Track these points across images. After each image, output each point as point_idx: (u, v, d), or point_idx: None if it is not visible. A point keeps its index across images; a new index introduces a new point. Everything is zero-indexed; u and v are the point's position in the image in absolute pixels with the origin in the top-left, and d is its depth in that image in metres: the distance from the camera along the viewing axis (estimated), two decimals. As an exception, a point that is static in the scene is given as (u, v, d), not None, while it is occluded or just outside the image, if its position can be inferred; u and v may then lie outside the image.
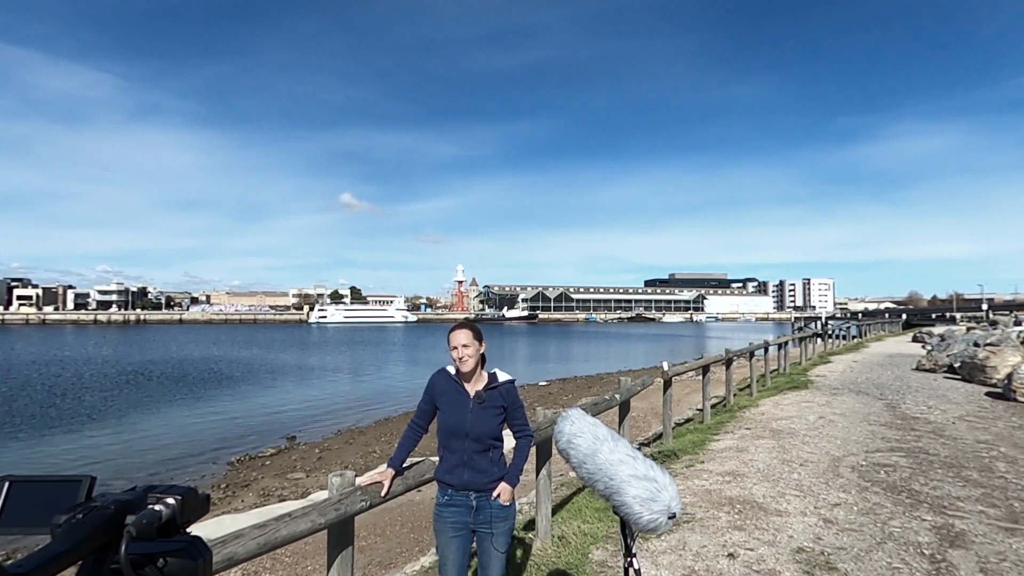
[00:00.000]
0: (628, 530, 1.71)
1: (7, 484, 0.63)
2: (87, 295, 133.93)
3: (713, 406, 10.16)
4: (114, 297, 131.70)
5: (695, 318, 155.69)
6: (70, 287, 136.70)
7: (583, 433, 1.80)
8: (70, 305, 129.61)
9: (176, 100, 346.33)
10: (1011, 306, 77.25)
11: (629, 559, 1.72)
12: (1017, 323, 21.55)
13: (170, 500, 0.64)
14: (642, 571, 1.80)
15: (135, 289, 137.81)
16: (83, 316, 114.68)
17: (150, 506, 0.63)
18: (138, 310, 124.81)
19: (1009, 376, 11.05)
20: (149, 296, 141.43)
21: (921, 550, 4.03)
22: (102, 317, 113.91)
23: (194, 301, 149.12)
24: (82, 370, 28.39)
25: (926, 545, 4.11)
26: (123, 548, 0.57)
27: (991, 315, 49.47)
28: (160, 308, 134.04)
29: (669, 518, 1.59)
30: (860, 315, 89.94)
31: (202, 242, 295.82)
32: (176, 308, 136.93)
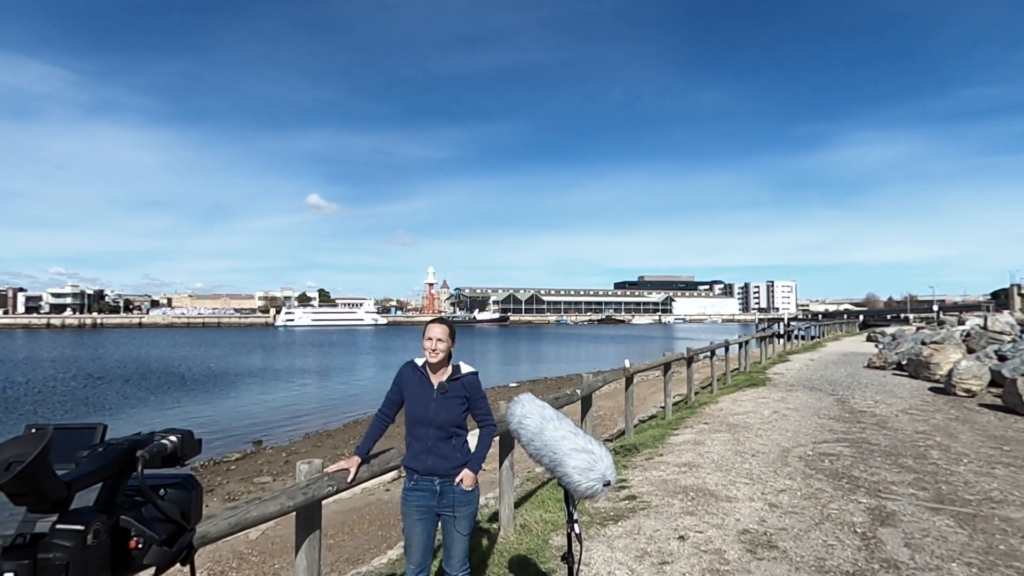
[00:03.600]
0: (570, 498, 1.91)
1: (50, 435, 0.78)
2: (39, 298, 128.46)
3: (675, 403, 10.52)
4: (68, 300, 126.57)
5: (663, 320, 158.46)
6: (21, 290, 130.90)
7: (532, 414, 1.99)
8: (21, 308, 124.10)
9: (134, 97, 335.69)
10: (960, 307, 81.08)
11: (571, 525, 1.92)
12: (961, 323, 22.75)
13: (172, 438, 0.81)
14: (584, 536, 2.00)
15: (91, 292, 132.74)
16: (35, 320, 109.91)
17: (157, 440, 0.80)
18: (94, 314, 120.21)
19: (950, 372, 11.74)
20: (106, 299, 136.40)
21: (854, 529, 4.36)
22: (55, 321, 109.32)
23: (154, 304, 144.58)
24: (34, 374, 27.35)
25: (859, 524, 4.44)
26: (140, 468, 0.74)
27: (941, 316, 51.86)
28: (118, 311, 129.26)
29: (604, 485, 1.80)
30: (820, 316, 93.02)
31: (163, 243, 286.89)
32: (135, 312, 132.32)
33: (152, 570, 0.78)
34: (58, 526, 0.66)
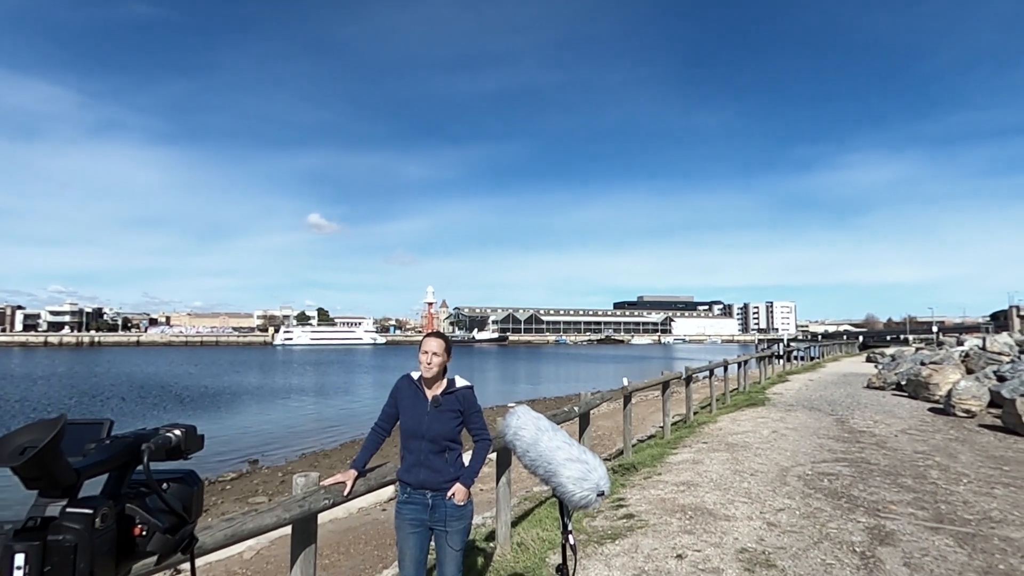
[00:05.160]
0: (564, 509, 1.93)
1: (63, 423, 0.82)
2: (38, 316, 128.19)
3: (674, 423, 10.47)
4: (67, 318, 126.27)
5: (663, 340, 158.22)
6: (19, 307, 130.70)
7: (527, 426, 2.02)
8: (19, 327, 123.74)
9: (138, 116, 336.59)
10: (960, 328, 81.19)
11: (566, 536, 1.93)
12: (960, 344, 22.76)
13: (177, 431, 0.85)
14: (582, 555, 2.00)
15: (90, 310, 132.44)
16: (32, 338, 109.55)
17: (161, 433, 0.83)
18: (92, 332, 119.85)
19: (949, 392, 11.72)
20: (105, 317, 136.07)
21: (853, 548, 4.33)
22: (53, 339, 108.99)
23: (153, 322, 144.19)
24: (29, 392, 27.18)
25: (858, 543, 4.42)
26: (145, 459, 0.77)
27: (940, 337, 51.85)
28: (116, 330, 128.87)
29: (598, 495, 1.82)
30: (820, 337, 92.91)
31: (163, 262, 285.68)
32: (134, 330, 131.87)
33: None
34: (68, 509, 0.70)
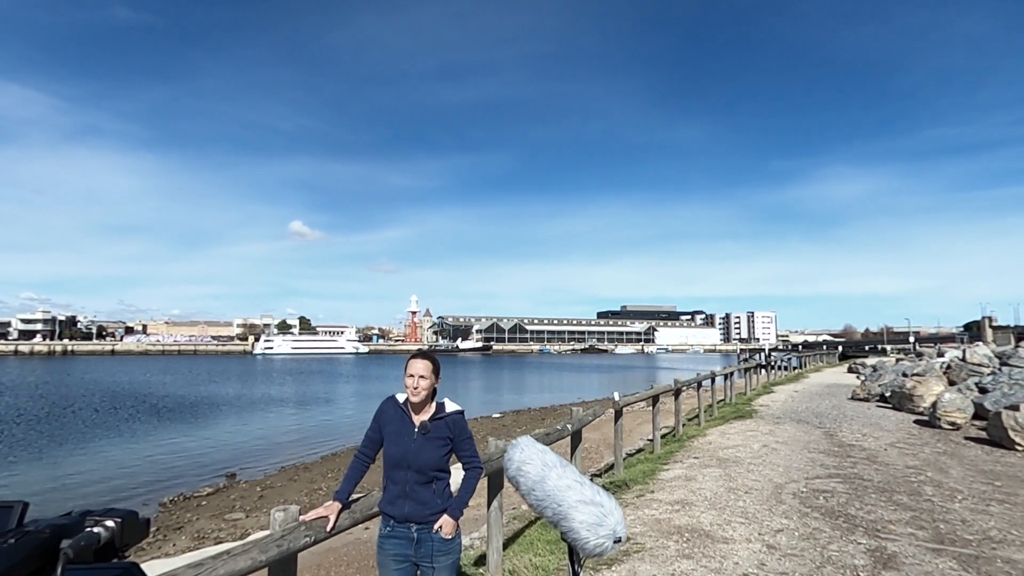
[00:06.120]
0: (575, 556, 1.73)
1: None
2: (8, 324, 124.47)
3: (663, 436, 10.32)
4: (39, 326, 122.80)
5: (646, 349, 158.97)
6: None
7: (532, 460, 1.82)
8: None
9: (117, 122, 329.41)
10: (935, 339, 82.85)
11: (576, 586, 1.74)
12: (940, 355, 23.05)
13: (109, 523, 0.63)
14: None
15: (63, 318, 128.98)
16: (2, 347, 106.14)
17: (88, 528, 0.61)
18: (65, 340, 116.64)
19: (934, 404, 11.75)
20: (79, 325, 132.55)
21: (857, 573, 4.19)
22: (24, 348, 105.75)
23: (129, 331, 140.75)
24: (-2, 405, 26.15)
25: (862, 568, 4.27)
26: (59, 570, 0.56)
27: (917, 347, 52.71)
28: (91, 338, 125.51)
29: (615, 542, 1.63)
30: (800, 347, 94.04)
31: (140, 269, 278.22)
32: (109, 338, 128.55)
33: None
34: None
